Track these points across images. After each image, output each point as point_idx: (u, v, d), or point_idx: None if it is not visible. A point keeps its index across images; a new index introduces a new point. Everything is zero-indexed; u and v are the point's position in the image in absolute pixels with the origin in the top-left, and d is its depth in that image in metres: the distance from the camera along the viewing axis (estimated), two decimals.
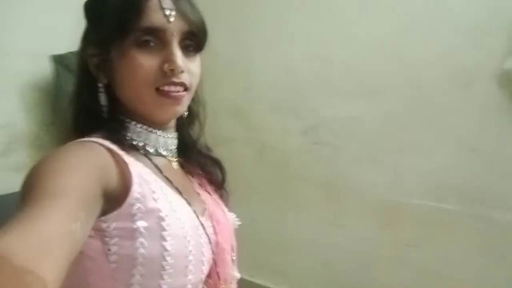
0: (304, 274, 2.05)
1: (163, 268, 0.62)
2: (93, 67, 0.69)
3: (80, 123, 0.71)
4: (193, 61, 0.72)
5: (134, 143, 0.71)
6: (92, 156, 0.60)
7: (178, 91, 0.69)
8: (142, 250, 0.61)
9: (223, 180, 0.88)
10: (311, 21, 1.86)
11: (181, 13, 0.68)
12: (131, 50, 0.66)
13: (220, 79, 2.05)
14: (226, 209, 0.85)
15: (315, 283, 2.03)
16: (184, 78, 0.69)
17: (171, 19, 0.66)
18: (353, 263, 1.92)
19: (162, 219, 0.62)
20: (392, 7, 1.70)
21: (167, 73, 0.67)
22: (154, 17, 0.66)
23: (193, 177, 0.84)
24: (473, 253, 1.69)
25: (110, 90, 0.71)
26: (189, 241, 0.66)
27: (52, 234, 0.45)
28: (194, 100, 0.79)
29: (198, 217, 0.71)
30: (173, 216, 0.64)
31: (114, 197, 0.60)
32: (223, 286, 0.77)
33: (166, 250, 0.62)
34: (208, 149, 0.88)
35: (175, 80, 0.68)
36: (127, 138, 0.70)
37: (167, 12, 0.66)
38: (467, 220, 1.67)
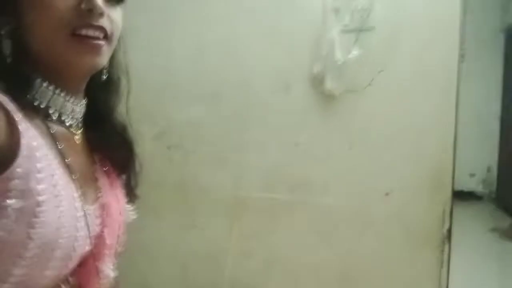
0: (164, 281, 2.10)
1: (20, 256, 0.55)
2: None
3: None
4: (115, 9, 0.64)
5: (36, 103, 0.61)
6: None
7: (97, 37, 0.61)
8: (1, 232, 0.53)
9: (130, 165, 0.80)
10: (156, 27, 1.98)
11: None
12: None
13: None
14: (123, 200, 0.79)
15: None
16: (104, 23, 0.61)
17: None
18: (206, 263, 2.03)
19: (38, 204, 0.55)
20: (228, 15, 1.89)
21: (85, 13, 0.59)
22: None
23: (97, 155, 0.75)
24: (306, 236, 1.89)
25: (14, 37, 0.59)
26: (61, 234, 0.58)
27: None
28: (113, 63, 0.72)
29: (83, 207, 0.64)
30: (52, 203, 0.57)
31: None
32: (96, 281, 0.69)
33: (30, 238, 0.54)
34: (123, 126, 0.78)
35: (94, 23, 0.60)
36: (28, 97, 0.60)
37: None
38: (297, 207, 1.87)
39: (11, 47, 0.59)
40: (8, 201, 0.53)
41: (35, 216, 0.55)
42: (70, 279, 0.65)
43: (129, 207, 0.81)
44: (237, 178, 1.95)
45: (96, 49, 0.62)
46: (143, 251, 2.07)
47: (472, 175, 5.60)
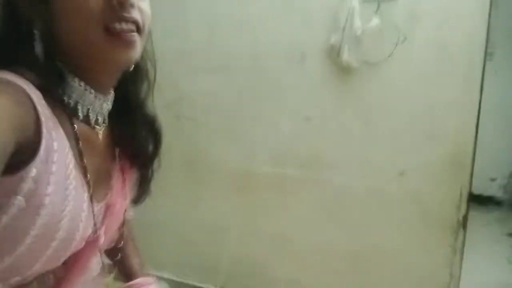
0: (170, 256, 2.06)
1: (14, 249, 0.56)
2: (26, 9, 0.59)
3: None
4: (143, 0, 0.64)
5: (65, 99, 0.61)
6: (18, 108, 0.52)
7: (131, 31, 0.61)
8: (1, 225, 0.54)
9: (153, 158, 0.79)
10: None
11: None
12: None
13: None
14: (129, 198, 0.78)
15: (182, 265, 2.05)
16: (135, 15, 0.61)
17: None
18: (211, 237, 1.98)
19: (43, 205, 0.56)
20: None
21: (116, 7, 0.58)
22: None
23: (118, 149, 0.75)
24: (315, 215, 1.82)
25: (47, 35, 0.60)
26: (59, 233, 0.59)
27: None
28: (142, 54, 0.70)
29: (90, 207, 0.65)
30: (58, 205, 0.58)
31: (9, 161, 0.51)
32: (80, 274, 0.70)
33: (28, 234, 0.56)
34: (153, 117, 0.77)
35: (126, 15, 0.59)
36: (59, 92, 0.60)
37: None
38: (307, 184, 1.81)
39: (42, 47, 0.59)
40: (15, 200, 0.53)
41: (37, 214, 0.55)
42: (57, 270, 0.66)
43: (131, 206, 0.80)
44: (247, 152, 1.90)
45: (131, 43, 0.62)
46: (150, 226, 2.03)
47: (492, 179, 5.42)
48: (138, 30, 0.62)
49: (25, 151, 0.53)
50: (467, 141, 1.58)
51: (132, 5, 0.60)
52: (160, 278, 1.80)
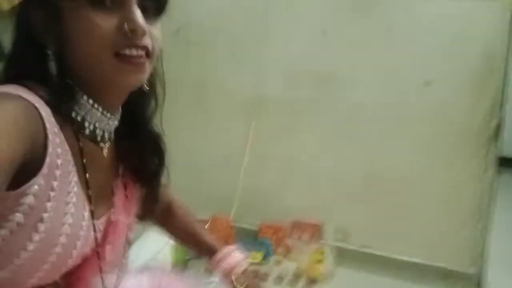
0: (180, 189, 1.96)
1: (11, 262, 0.57)
2: (40, 31, 0.60)
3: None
4: (154, 25, 0.64)
5: (73, 115, 0.62)
6: (28, 123, 0.53)
7: (140, 56, 0.61)
8: None
9: (157, 175, 0.79)
10: None
11: None
12: (85, 10, 0.58)
13: None
14: (133, 215, 0.78)
15: (194, 198, 1.95)
16: (146, 41, 0.61)
17: None
18: (222, 168, 1.88)
19: (41, 220, 0.56)
20: None
21: (128, 34, 0.59)
22: None
23: (122, 166, 0.76)
24: (330, 137, 1.71)
25: (59, 54, 0.61)
26: (56, 249, 0.60)
27: None
28: (151, 74, 0.71)
29: (90, 223, 0.66)
30: (56, 221, 0.59)
31: (15, 176, 0.52)
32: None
33: (25, 249, 0.56)
34: (158, 135, 0.78)
35: (137, 42, 0.60)
36: (67, 109, 0.62)
37: None
38: (322, 105, 1.69)
39: (56, 67, 0.61)
40: (15, 216, 0.54)
41: (35, 231, 0.56)
42: (59, 281, 0.66)
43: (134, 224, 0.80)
44: (258, 75, 1.79)
45: (139, 68, 0.63)
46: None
47: None
48: (148, 54, 0.63)
49: (29, 167, 0.54)
50: (499, 42, 1.44)
51: (143, 33, 0.61)
52: None
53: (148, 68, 0.65)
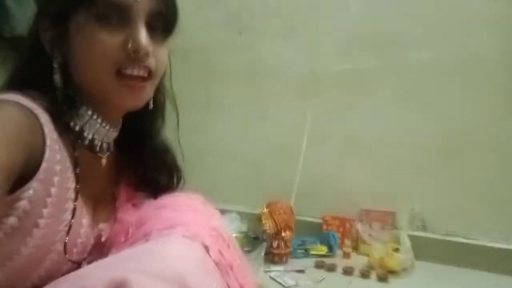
0: (233, 180, 1.86)
1: (3, 265, 0.58)
2: (48, 43, 0.63)
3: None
4: (161, 46, 0.65)
5: (71, 125, 0.64)
6: (26, 129, 0.55)
7: (141, 76, 0.62)
8: None
9: (167, 189, 0.78)
10: None
11: None
12: (91, 25, 0.59)
13: None
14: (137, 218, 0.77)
15: (249, 194, 1.84)
16: (149, 62, 0.62)
17: None
18: (277, 157, 1.75)
19: (37, 226, 0.57)
20: None
21: (130, 54, 0.60)
22: None
23: (124, 175, 0.77)
24: (394, 108, 1.53)
25: (64, 69, 0.63)
26: (51, 255, 0.61)
27: None
28: (159, 89, 0.72)
29: (88, 229, 0.67)
30: (53, 228, 0.59)
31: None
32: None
33: (19, 254, 0.57)
34: (165, 150, 0.79)
35: (140, 62, 0.61)
36: (66, 118, 0.64)
37: None
38: (384, 73, 1.53)
39: (61, 79, 0.62)
40: (9, 220, 0.54)
41: (30, 235, 0.56)
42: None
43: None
44: (312, 51, 1.66)
45: (138, 92, 0.63)
46: (210, 150, 1.87)
47: None
48: (150, 75, 0.63)
49: (26, 172, 0.54)
50: None
51: (146, 54, 0.61)
52: (225, 211, 1.63)
53: (149, 90, 0.65)
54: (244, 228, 1.61)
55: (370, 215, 1.59)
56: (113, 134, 0.69)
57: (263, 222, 1.45)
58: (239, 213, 1.71)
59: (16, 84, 0.63)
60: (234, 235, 1.40)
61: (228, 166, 1.86)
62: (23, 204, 0.54)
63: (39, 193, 0.56)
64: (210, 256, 0.61)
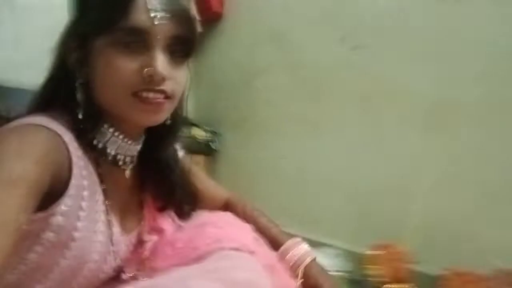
0: (341, 222, 1.67)
1: (45, 278, 0.63)
2: (72, 62, 0.66)
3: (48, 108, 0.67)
4: (180, 68, 0.67)
5: (95, 142, 0.67)
6: (52, 150, 0.59)
7: (157, 98, 0.64)
8: (33, 255, 0.61)
9: (185, 202, 0.84)
10: None
11: (169, 15, 0.63)
12: (111, 50, 0.62)
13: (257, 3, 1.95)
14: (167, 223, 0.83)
15: (356, 230, 1.64)
16: (166, 85, 0.64)
17: (156, 22, 0.61)
18: (395, 191, 1.52)
19: (73, 239, 0.61)
20: None
21: (146, 79, 0.62)
22: (138, 17, 0.61)
23: (149, 182, 0.80)
24: None
25: (87, 89, 0.67)
26: (89, 265, 0.65)
27: (1, 222, 0.48)
28: (176, 108, 0.74)
29: (119, 239, 0.71)
30: (88, 239, 0.64)
31: (43, 198, 0.57)
32: None
33: (58, 265, 0.62)
34: (175, 165, 0.81)
35: (155, 87, 0.63)
36: (89, 135, 0.67)
37: (153, 14, 0.61)
38: None
39: (83, 97, 0.65)
40: (46, 235, 0.59)
41: (67, 248, 0.61)
42: None
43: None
44: (443, 73, 1.42)
45: (157, 108, 0.65)
46: (313, 174, 1.73)
47: None
48: (167, 98, 0.65)
49: (56, 189, 0.58)
50: None
51: (162, 80, 0.63)
52: (328, 246, 1.46)
53: (167, 108, 0.67)
54: (348, 267, 1.41)
55: (505, 277, 1.27)
56: (136, 147, 0.72)
57: (370, 266, 1.25)
58: (339, 248, 1.52)
59: (43, 102, 0.67)
60: (335, 273, 1.24)
61: (331, 195, 1.68)
62: (57, 219, 0.59)
63: (72, 207, 0.60)
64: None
